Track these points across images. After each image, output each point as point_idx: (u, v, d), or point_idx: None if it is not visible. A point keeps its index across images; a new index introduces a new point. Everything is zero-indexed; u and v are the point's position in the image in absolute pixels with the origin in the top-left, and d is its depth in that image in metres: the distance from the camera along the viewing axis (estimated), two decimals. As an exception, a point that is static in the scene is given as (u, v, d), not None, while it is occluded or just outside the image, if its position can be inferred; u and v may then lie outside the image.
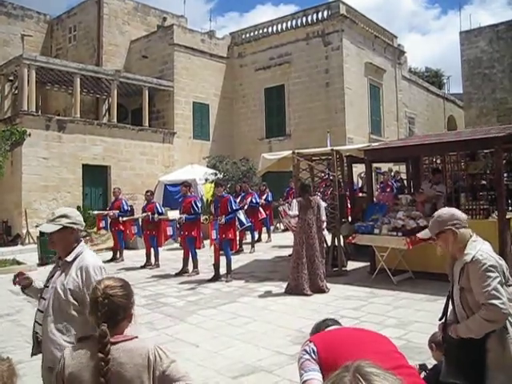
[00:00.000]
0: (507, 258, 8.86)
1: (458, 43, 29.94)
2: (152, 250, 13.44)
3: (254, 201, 15.81)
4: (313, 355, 2.48)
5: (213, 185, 14.56)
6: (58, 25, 31.06)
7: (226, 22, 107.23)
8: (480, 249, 3.46)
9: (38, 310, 3.56)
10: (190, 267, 11.88)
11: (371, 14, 30.25)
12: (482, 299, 3.24)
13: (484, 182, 11.11)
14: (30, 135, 16.62)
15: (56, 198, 20.78)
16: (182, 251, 12.31)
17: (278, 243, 16.37)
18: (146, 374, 2.33)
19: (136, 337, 2.45)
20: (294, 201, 9.57)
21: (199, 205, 12.20)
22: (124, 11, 28.80)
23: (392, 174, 17.66)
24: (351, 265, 11.50)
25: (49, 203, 20.55)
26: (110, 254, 15.03)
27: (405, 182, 15.97)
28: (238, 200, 15.02)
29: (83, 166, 21.92)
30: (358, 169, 16.07)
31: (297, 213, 9.30)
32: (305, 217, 9.33)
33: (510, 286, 3.43)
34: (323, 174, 13.51)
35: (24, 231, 19.54)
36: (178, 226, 12.37)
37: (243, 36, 28.75)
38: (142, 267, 13.24)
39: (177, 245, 15.73)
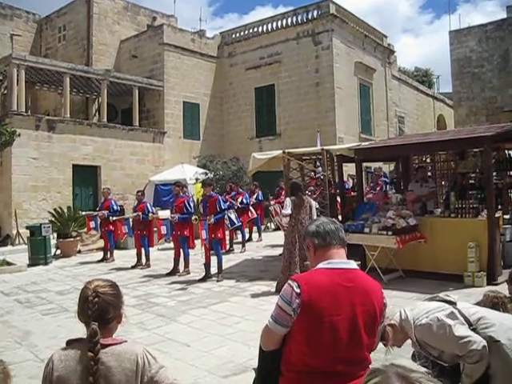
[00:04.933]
0: (496, 256, 8.94)
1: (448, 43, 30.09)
2: (143, 249, 13.42)
3: (244, 201, 15.81)
4: (293, 306, 2.55)
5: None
6: (47, 24, 30.91)
7: (225, 23, 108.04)
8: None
9: None
10: (181, 267, 11.88)
11: (365, 19, 30.21)
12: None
13: (473, 181, 11.17)
14: (19, 135, 16.52)
15: (46, 199, 20.71)
16: (173, 251, 12.30)
17: (268, 243, 16.37)
18: (134, 379, 2.32)
19: (125, 341, 2.44)
20: (288, 199, 9.53)
21: (192, 205, 12.22)
22: (114, 11, 28.72)
23: (381, 173, 17.72)
24: (342, 264, 11.50)
25: (39, 203, 20.49)
26: (100, 255, 15.02)
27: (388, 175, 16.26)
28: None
29: (73, 166, 21.86)
30: (349, 168, 16.11)
31: (290, 212, 9.29)
32: (298, 216, 9.32)
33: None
34: (313, 173, 13.55)
35: (14, 232, 19.44)
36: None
37: (233, 35, 28.74)
38: (133, 267, 13.20)
39: (168, 244, 15.73)
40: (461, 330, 3.24)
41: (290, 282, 2.65)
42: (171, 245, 13.63)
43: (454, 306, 3.47)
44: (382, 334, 3.37)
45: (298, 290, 2.56)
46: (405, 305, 7.72)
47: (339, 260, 2.74)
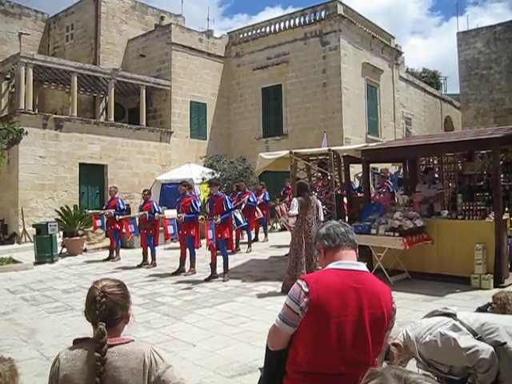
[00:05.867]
0: (503, 258, 8.90)
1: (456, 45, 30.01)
2: (149, 249, 13.42)
3: (251, 199, 15.80)
4: (301, 304, 2.55)
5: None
6: (55, 23, 30.98)
7: (234, 23, 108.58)
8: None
9: None
10: (187, 266, 11.88)
11: (374, 20, 30.13)
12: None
13: (481, 183, 11.12)
14: (27, 134, 16.56)
15: (53, 197, 20.76)
16: (180, 250, 12.30)
17: (274, 243, 16.36)
18: (141, 379, 2.31)
19: (132, 340, 2.43)
20: (295, 199, 9.49)
21: (198, 204, 12.21)
22: (122, 10, 28.75)
23: (388, 174, 17.66)
24: (348, 265, 11.47)
25: (45, 202, 20.53)
26: (106, 253, 15.04)
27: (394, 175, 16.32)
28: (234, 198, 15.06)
29: (80, 164, 21.90)
30: (355, 169, 16.09)
31: (297, 212, 9.26)
32: (305, 216, 9.30)
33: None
34: (320, 173, 13.53)
35: (20, 230, 19.50)
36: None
37: (241, 35, 28.74)
38: (139, 266, 13.22)
39: (174, 244, 15.73)
40: (466, 340, 3.22)
41: (298, 281, 2.65)
42: (177, 244, 13.64)
43: (455, 317, 3.46)
44: (386, 353, 3.36)
45: (306, 289, 2.56)
46: (411, 306, 7.74)
47: (349, 261, 2.74)
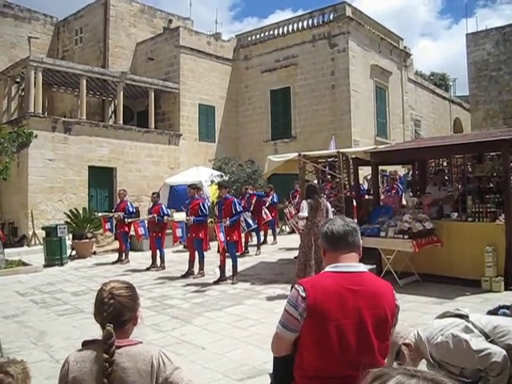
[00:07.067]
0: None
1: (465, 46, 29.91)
2: (158, 251, 13.43)
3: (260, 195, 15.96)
4: (299, 309, 2.56)
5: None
6: (64, 27, 31.12)
7: (244, 26, 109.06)
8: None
9: None
10: (196, 269, 11.87)
11: (384, 23, 30.10)
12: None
13: (491, 185, 11.06)
14: (36, 137, 16.62)
15: (62, 200, 20.83)
16: (188, 253, 12.29)
17: (283, 245, 16.35)
18: (149, 380, 2.31)
19: (141, 342, 2.44)
20: (304, 202, 9.45)
21: (207, 207, 12.20)
22: (130, 13, 28.86)
23: (397, 176, 17.60)
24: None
25: (54, 204, 20.61)
26: (115, 256, 15.07)
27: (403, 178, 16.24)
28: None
29: (89, 167, 21.98)
30: (364, 171, 16.04)
31: (306, 214, 9.22)
32: (314, 219, 9.26)
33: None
34: (329, 176, 13.49)
35: (30, 232, 19.58)
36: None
37: (249, 38, 28.74)
38: (148, 269, 13.23)
39: (182, 247, 15.72)
40: (478, 343, 3.20)
41: (296, 286, 2.67)
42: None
43: (467, 319, 3.43)
44: (397, 353, 3.34)
45: (303, 294, 2.57)
46: (420, 309, 7.69)
47: (346, 263, 2.72)
